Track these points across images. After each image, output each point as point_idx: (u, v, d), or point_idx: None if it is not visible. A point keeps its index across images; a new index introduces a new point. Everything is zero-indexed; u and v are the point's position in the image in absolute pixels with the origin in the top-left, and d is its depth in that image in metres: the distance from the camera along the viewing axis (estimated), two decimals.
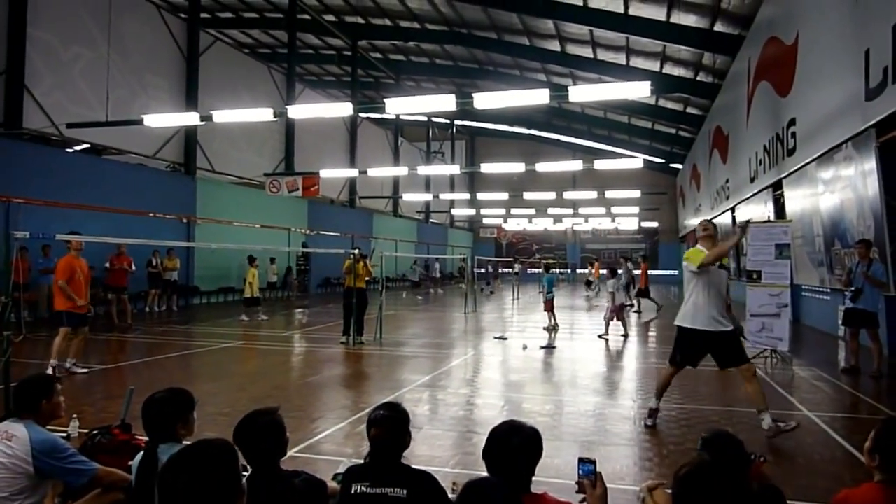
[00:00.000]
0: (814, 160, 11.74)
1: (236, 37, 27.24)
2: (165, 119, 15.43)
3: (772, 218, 14.49)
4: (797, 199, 13.28)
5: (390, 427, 2.58)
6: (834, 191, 11.00)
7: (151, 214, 18.11)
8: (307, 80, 32.23)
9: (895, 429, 2.43)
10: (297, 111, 16.95)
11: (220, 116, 15.24)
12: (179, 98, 20.26)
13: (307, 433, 5.66)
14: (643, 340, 13.27)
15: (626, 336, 12.82)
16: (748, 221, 6.45)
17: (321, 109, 17.32)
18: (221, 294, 21.47)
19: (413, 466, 2.62)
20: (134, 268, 14.78)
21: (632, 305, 19.16)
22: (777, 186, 14.84)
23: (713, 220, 6.14)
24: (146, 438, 2.93)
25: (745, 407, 7.03)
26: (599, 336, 12.57)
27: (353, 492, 2.48)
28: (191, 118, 16.69)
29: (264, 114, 14.92)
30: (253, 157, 24.26)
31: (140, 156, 19.10)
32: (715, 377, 9.00)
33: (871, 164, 9.22)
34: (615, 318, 13.02)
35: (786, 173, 13.69)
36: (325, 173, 21.68)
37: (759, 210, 16.76)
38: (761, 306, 9.83)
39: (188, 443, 1.98)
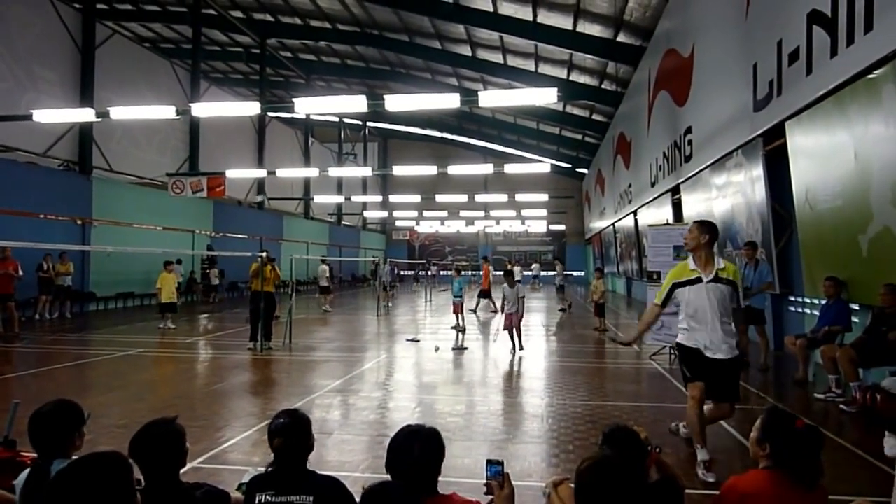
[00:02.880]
0: (708, 166, 12.43)
1: (137, 30, 25.92)
2: (57, 115, 14.49)
3: (670, 221, 15.22)
4: (693, 203, 14.01)
5: (291, 434, 2.51)
6: (726, 195, 11.68)
7: (42, 216, 16.92)
8: (213, 77, 31.12)
9: (780, 417, 2.59)
10: (201, 109, 16.31)
11: (118, 113, 14.47)
12: (73, 93, 19.08)
13: (212, 443, 5.44)
14: (550, 340, 13.60)
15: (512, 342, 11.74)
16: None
17: (227, 108, 16.73)
18: (120, 300, 20.35)
19: (319, 472, 2.55)
20: (21, 273, 13.71)
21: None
22: (675, 191, 15.59)
23: (705, 221, 4.98)
24: (33, 455, 2.71)
25: (648, 402, 7.37)
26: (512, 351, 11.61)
27: (257, 502, 2.39)
28: (85, 114, 15.74)
29: (166, 111, 14.29)
30: (155, 156, 23.18)
31: (29, 153, 17.81)
32: (620, 375, 9.37)
33: (758, 171, 9.87)
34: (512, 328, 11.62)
35: (683, 179, 14.43)
36: (231, 173, 20.97)
37: (659, 213, 17.58)
38: None
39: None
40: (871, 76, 6.46)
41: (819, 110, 7.66)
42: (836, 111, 7.28)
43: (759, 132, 9.59)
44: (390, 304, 22.26)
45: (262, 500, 2.39)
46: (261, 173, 28.61)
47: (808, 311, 9.84)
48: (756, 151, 9.88)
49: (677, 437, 5.67)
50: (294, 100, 13.51)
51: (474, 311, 19.18)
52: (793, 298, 10.48)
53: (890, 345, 6.41)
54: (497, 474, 2.41)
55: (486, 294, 19.77)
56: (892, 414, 5.76)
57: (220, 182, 19.76)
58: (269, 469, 2.51)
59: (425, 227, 46.30)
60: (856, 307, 7.81)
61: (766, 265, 9.55)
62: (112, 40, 21.07)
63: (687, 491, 2.87)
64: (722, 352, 4.69)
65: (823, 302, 7.97)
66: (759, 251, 9.70)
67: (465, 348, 11.62)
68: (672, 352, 10.29)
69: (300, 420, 2.58)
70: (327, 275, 21.10)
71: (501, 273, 13.38)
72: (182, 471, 2.49)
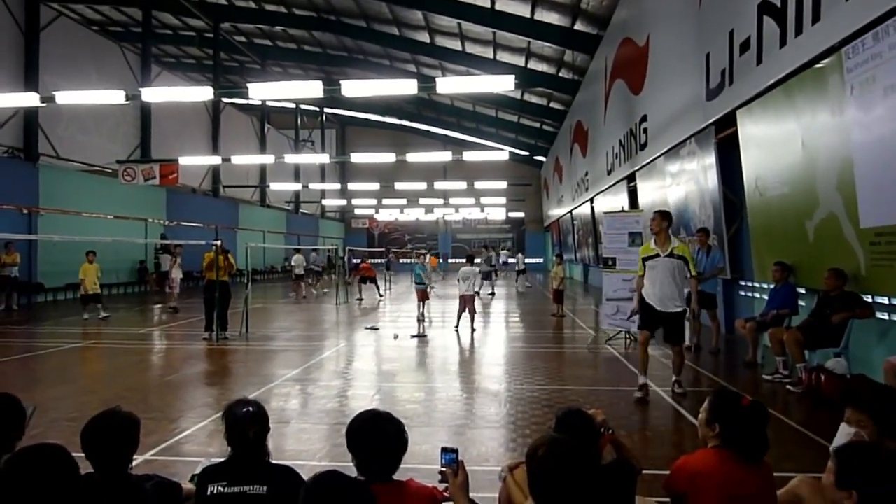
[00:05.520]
0: (662, 154, 12.65)
1: (84, 12, 24.91)
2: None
3: (625, 208, 15.45)
4: (648, 191, 14.26)
5: (245, 424, 2.46)
6: (680, 183, 11.91)
7: None
8: (164, 61, 30.20)
9: (726, 397, 2.67)
10: (152, 94, 15.91)
11: (65, 98, 13.98)
12: (17, 77, 18.37)
13: (165, 434, 5.33)
14: (509, 327, 13.73)
15: (473, 329, 12.24)
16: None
17: (179, 93, 16.38)
18: (70, 290, 19.73)
19: (274, 462, 2.52)
20: None
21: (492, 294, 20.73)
22: (631, 178, 15.84)
23: (664, 211, 6.82)
24: None
25: (605, 385, 7.50)
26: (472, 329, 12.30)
27: (209, 493, 2.34)
28: (30, 99, 15.18)
29: (115, 96, 13.84)
30: (104, 142, 22.48)
31: None
32: (577, 360, 9.51)
33: (711, 159, 10.08)
34: (466, 309, 12.36)
35: (638, 166, 14.66)
36: (184, 160, 20.50)
37: (615, 200, 17.83)
38: (616, 291, 10.49)
39: None
40: (818, 66, 6.63)
41: (769, 99, 7.85)
42: (784, 100, 7.46)
43: (712, 121, 9.78)
44: (315, 292, 22.42)
45: (215, 492, 2.35)
46: (215, 160, 28.02)
47: (757, 295, 10.12)
48: (709, 140, 10.08)
49: (631, 416, 5.79)
50: (249, 85, 13.26)
51: (360, 300, 20.02)
52: (743, 283, 10.76)
53: (833, 327, 6.63)
54: (452, 462, 2.41)
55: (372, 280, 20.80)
56: (836, 394, 5.99)
57: (173, 169, 19.30)
58: (224, 460, 2.47)
59: (385, 215, 46.07)
60: (802, 291, 8.06)
61: (718, 251, 9.78)
62: (57, 22, 20.30)
63: (643, 472, 2.92)
64: (669, 308, 6.52)
65: (772, 286, 8.20)
66: (711, 237, 9.92)
67: (425, 336, 11.63)
68: (628, 337, 10.50)
69: (255, 410, 2.54)
70: (304, 263, 21.10)
71: (464, 259, 13.64)
72: (134, 463, 2.43)
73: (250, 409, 2.52)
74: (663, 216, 6.68)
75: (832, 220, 6.59)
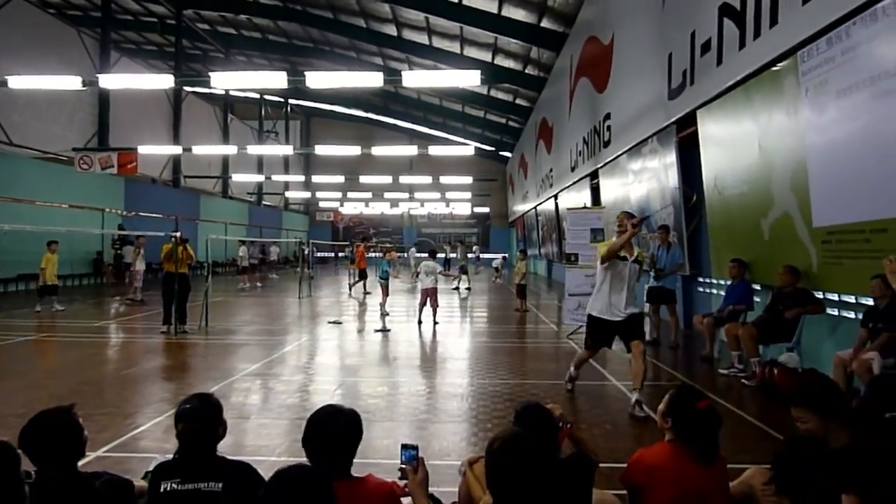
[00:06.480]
0: (625, 152, 12.82)
1: None
2: None
3: (588, 205, 15.62)
4: (611, 188, 14.44)
5: (198, 419, 2.41)
6: (641, 180, 12.09)
7: None
8: (125, 48, 29.43)
9: (685, 395, 2.72)
10: (111, 81, 15.50)
11: (19, 83, 13.58)
12: None
13: (120, 430, 5.22)
14: (473, 322, 13.79)
15: (435, 322, 12.41)
16: (644, 218, 6.59)
17: (139, 80, 16.01)
18: (21, 282, 19.16)
19: (230, 458, 2.49)
20: None
21: (456, 289, 21.14)
22: (594, 175, 16.01)
23: (630, 213, 6.49)
24: None
25: (565, 380, 7.56)
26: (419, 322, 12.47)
27: (162, 490, 2.30)
28: None
29: (72, 82, 13.49)
30: (60, 129, 21.81)
31: None
32: (539, 354, 9.60)
33: (671, 158, 10.26)
34: (428, 302, 12.34)
35: (601, 164, 14.83)
36: (144, 150, 20.03)
37: (578, 197, 18.02)
38: (578, 286, 10.61)
39: None
40: (775, 68, 6.80)
41: (728, 100, 8.02)
42: (743, 101, 7.63)
43: (673, 120, 9.95)
44: (248, 285, 22.48)
45: (168, 489, 2.31)
46: (176, 150, 27.45)
47: (715, 291, 10.35)
48: (670, 138, 10.26)
49: (591, 410, 5.87)
50: (211, 74, 13.01)
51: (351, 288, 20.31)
52: (702, 279, 11.00)
53: (786, 323, 6.83)
54: (412, 459, 2.42)
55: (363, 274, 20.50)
56: (789, 387, 6.15)
57: (131, 158, 18.86)
58: (175, 456, 2.42)
59: (350, 209, 45.75)
60: (758, 287, 8.27)
61: (678, 248, 9.97)
62: (12, 4, 19.59)
63: (601, 465, 2.97)
64: (625, 313, 6.03)
65: (729, 283, 8.39)
66: (671, 234, 10.10)
67: (389, 330, 11.61)
68: None
69: (209, 404, 2.49)
70: (248, 256, 20.98)
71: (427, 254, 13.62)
72: (86, 460, 2.38)
73: (188, 406, 2.46)
74: (642, 224, 6.47)
75: (787, 219, 6.77)
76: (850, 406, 3.17)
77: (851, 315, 6.66)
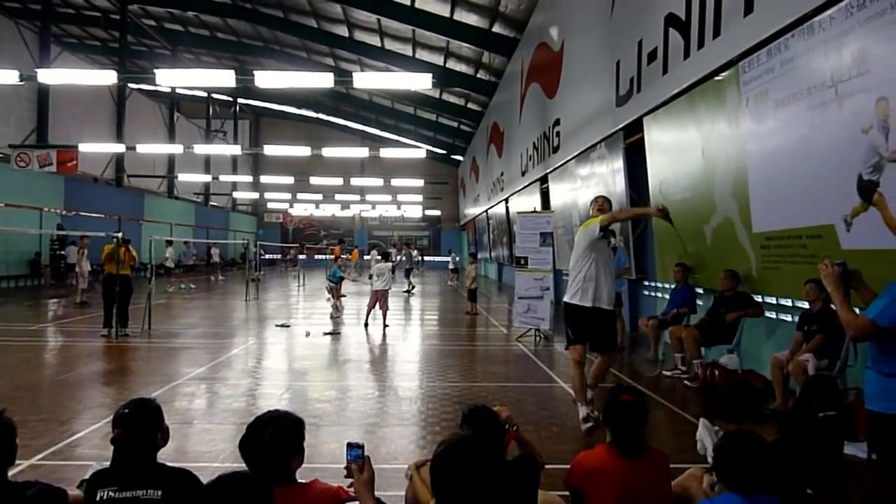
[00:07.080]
0: (574, 157, 13.00)
1: None
2: None
3: (538, 209, 15.80)
4: (560, 193, 14.63)
5: (133, 425, 2.32)
6: (589, 186, 12.27)
7: None
8: (66, 42, 28.30)
9: (614, 394, 2.79)
10: (50, 76, 14.93)
11: None
12: None
13: (55, 437, 5.00)
14: (423, 324, 13.76)
15: (385, 325, 12.23)
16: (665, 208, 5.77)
17: (81, 76, 15.46)
18: None
19: (170, 464, 2.40)
20: None
21: (407, 291, 21.35)
22: (544, 180, 16.20)
23: (607, 197, 5.97)
24: None
25: (515, 382, 7.63)
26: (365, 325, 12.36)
27: (98, 498, 2.19)
28: None
29: (8, 76, 12.93)
30: None
31: None
32: (489, 357, 9.64)
33: (619, 163, 10.45)
34: (377, 305, 12.27)
35: (551, 168, 15.01)
36: (85, 147, 19.37)
37: (529, 201, 18.20)
38: (527, 289, 10.72)
39: None
40: (717, 78, 7.00)
41: (673, 108, 8.22)
42: (687, 110, 7.84)
43: (620, 126, 10.14)
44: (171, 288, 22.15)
45: (105, 497, 2.21)
46: (119, 148, 26.56)
47: (660, 294, 10.59)
48: (617, 144, 10.45)
49: (539, 411, 5.92)
50: (157, 71, 12.68)
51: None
52: (647, 283, 11.24)
53: (727, 325, 7.04)
54: (357, 457, 2.38)
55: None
56: (727, 386, 6.34)
57: (72, 156, 18.26)
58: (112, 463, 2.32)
59: (299, 210, 45.13)
60: (700, 291, 8.50)
61: (624, 252, 10.17)
62: None
63: (546, 466, 2.99)
64: (602, 304, 5.46)
65: (673, 286, 8.60)
66: (617, 238, 10.29)
67: (338, 333, 11.48)
68: (538, 334, 10.74)
69: (148, 409, 2.40)
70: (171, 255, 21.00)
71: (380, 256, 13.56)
72: (18, 469, 2.26)
73: (125, 410, 2.38)
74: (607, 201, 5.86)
75: (728, 224, 6.98)
76: (785, 405, 3.29)
77: (788, 318, 6.90)
